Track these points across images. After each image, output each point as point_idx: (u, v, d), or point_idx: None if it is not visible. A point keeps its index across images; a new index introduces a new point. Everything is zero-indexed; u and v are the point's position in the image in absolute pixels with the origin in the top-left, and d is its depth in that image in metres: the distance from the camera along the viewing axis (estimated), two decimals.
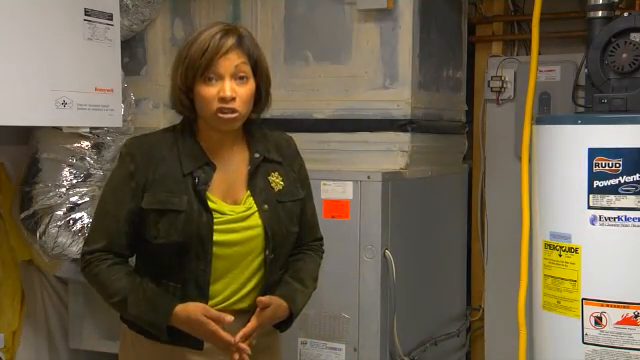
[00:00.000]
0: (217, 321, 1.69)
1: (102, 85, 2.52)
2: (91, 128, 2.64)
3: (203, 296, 1.75)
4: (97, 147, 2.76)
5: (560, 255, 2.26)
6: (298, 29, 2.90)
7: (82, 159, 2.72)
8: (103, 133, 2.74)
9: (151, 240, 1.73)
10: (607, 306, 2.15)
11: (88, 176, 2.75)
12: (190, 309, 1.70)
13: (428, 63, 2.90)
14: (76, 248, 2.70)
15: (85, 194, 2.73)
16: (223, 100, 1.70)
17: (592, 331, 2.17)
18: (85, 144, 2.73)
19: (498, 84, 3.32)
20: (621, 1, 2.48)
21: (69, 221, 2.69)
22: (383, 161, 2.78)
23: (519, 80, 3.25)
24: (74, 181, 2.71)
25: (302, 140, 2.92)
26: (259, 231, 1.78)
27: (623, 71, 2.27)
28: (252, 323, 1.75)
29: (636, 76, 2.26)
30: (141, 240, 1.77)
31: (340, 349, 2.59)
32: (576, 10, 3.04)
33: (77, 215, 2.70)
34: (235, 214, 1.77)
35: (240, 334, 1.73)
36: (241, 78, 1.73)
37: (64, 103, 2.40)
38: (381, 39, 2.77)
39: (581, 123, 2.27)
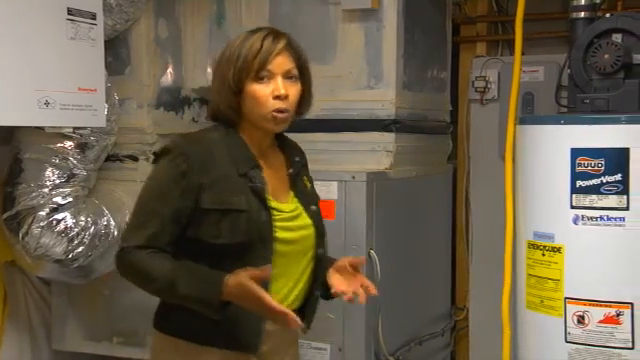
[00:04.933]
0: (259, 277, 1.61)
1: (85, 85, 2.50)
2: (74, 128, 2.62)
3: (265, 287, 1.66)
4: (81, 147, 2.74)
5: (543, 255, 2.27)
6: (283, 29, 2.87)
7: (65, 159, 2.70)
8: (87, 133, 2.72)
9: (210, 240, 1.70)
10: (589, 305, 2.17)
11: (72, 176, 2.73)
12: (238, 275, 1.61)
13: (412, 63, 2.91)
14: (59, 249, 2.68)
15: (68, 194, 2.71)
16: (278, 98, 1.72)
17: (575, 330, 2.19)
18: (68, 144, 2.71)
19: (482, 84, 3.33)
20: (603, 2, 2.50)
21: (52, 222, 2.67)
22: (368, 161, 2.78)
23: (503, 80, 3.26)
24: (57, 181, 2.69)
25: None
26: (311, 230, 1.81)
27: (605, 72, 2.28)
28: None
29: (618, 77, 2.28)
30: (192, 240, 1.71)
31: (325, 349, 2.60)
32: (559, 11, 3.06)
33: (60, 216, 2.68)
34: (287, 212, 1.78)
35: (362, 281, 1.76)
36: (291, 78, 1.76)
37: (47, 103, 2.39)
38: (366, 39, 2.78)
39: (564, 123, 2.29)
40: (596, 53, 2.30)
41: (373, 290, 1.76)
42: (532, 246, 2.30)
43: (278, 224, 1.74)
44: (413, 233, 2.97)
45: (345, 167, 2.74)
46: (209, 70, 3.11)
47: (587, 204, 2.19)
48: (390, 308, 2.71)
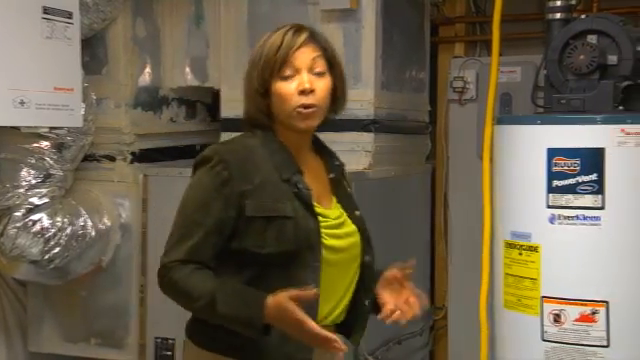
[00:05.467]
0: (301, 298, 1.50)
1: (62, 84, 2.48)
2: (51, 128, 2.59)
3: (313, 308, 1.58)
4: (57, 147, 2.72)
5: (520, 254, 2.29)
6: (261, 29, 2.84)
7: (41, 159, 2.68)
8: (63, 133, 2.69)
9: (255, 250, 1.60)
10: (565, 304, 2.19)
11: (48, 177, 2.70)
12: (278, 296, 1.52)
13: (391, 64, 2.92)
14: (35, 250, 2.66)
15: (45, 195, 2.68)
16: (303, 93, 1.61)
17: (551, 328, 2.20)
18: (44, 144, 2.68)
19: (460, 85, 3.35)
20: (579, 3, 2.52)
21: (28, 222, 2.64)
22: (346, 161, 2.71)
23: (481, 81, 3.28)
24: (33, 182, 2.67)
25: None
26: (357, 237, 1.71)
27: (581, 72, 2.30)
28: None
29: (593, 77, 2.30)
30: (237, 251, 1.62)
31: None
32: (536, 12, 3.08)
33: (36, 216, 2.66)
34: (333, 219, 1.68)
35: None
36: (318, 73, 1.64)
37: (22, 102, 2.36)
38: (344, 39, 2.78)
39: (540, 123, 2.31)
40: (572, 54, 2.32)
41: (416, 308, 1.64)
42: (509, 245, 2.32)
43: (326, 231, 1.63)
44: (392, 233, 2.97)
45: None
46: (187, 70, 3.10)
47: (563, 204, 2.20)
48: None
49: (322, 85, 1.64)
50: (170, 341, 2.82)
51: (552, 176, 2.21)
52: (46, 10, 2.41)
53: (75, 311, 2.99)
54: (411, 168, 3.20)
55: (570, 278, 2.21)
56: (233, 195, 1.60)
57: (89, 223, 2.81)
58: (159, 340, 2.85)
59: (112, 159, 2.95)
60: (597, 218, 2.18)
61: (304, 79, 1.62)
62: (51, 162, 2.70)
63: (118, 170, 2.94)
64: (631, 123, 2.22)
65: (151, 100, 3.04)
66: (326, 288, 1.62)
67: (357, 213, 1.74)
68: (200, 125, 3.28)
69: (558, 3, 2.41)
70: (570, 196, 2.19)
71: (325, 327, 1.56)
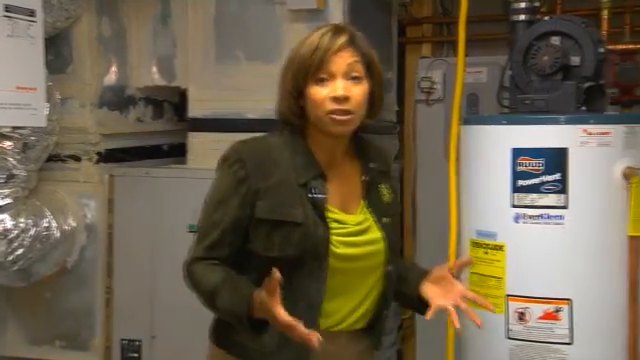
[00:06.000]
0: (269, 287, 1.49)
1: (24, 83, 2.44)
2: (13, 127, 2.56)
3: (314, 316, 1.59)
4: (21, 147, 2.68)
5: (486, 253, 2.30)
6: (229, 28, 2.89)
7: (4, 159, 2.64)
8: (27, 133, 2.66)
9: (260, 252, 1.61)
10: (530, 302, 2.21)
11: (11, 177, 2.66)
12: (262, 292, 1.53)
13: None
14: None
15: (8, 195, 2.64)
16: (336, 100, 1.57)
17: (516, 326, 2.22)
18: (7, 144, 2.64)
19: (428, 85, 3.38)
20: (542, 5, 2.55)
21: None
22: None
23: (448, 81, 3.31)
24: None
25: (234, 140, 2.93)
26: (380, 246, 1.66)
27: (544, 73, 2.33)
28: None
29: (556, 78, 2.33)
30: (246, 252, 1.63)
31: None
32: (500, 13, 3.11)
33: None
34: (353, 225, 1.64)
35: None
36: (355, 78, 1.59)
37: None
38: None
39: (505, 123, 2.33)
40: (535, 55, 2.35)
41: (481, 300, 1.68)
42: (475, 244, 2.33)
43: (339, 239, 1.60)
44: None
45: None
46: (154, 69, 3.08)
47: (528, 203, 2.22)
48: None
49: (358, 91, 1.59)
50: (136, 343, 2.80)
51: (517, 176, 2.23)
52: (7, 8, 2.37)
53: (39, 313, 2.95)
54: None
55: (534, 276, 2.23)
56: (249, 193, 1.59)
57: (53, 224, 2.77)
58: (125, 342, 2.82)
59: (77, 159, 2.92)
60: (561, 217, 2.20)
61: (338, 86, 1.57)
62: (14, 162, 2.66)
63: (84, 170, 2.91)
64: (593, 123, 2.25)
65: (117, 100, 3.01)
66: (338, 295, 1.60)
67: (385, 220, 1.68)
68: (167, 125, 3.26)
69: (522, 5, 2.43)
70: (534, 195, 2.21)
71: (340, 332, 1.60)
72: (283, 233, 1.58)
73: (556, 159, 2.20)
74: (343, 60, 1.58)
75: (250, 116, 2.88)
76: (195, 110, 2.96)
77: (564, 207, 2.20)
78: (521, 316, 2.22)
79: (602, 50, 2.36)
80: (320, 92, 1.58)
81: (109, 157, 2.96)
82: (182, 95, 3.13)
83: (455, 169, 2.58)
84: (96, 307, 2.89)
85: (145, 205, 2.82)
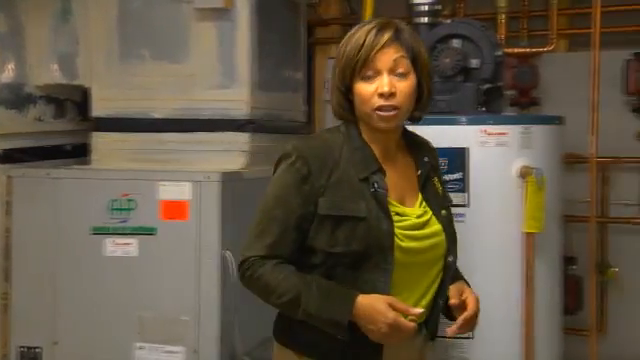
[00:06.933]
0: (403, 312, 1.53)
1: None
2: None
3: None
4: None
5: None
6: (133, 27, 2.83)
7: None
8: None
9: (324, 248, 1.59)
10: None
11: None
12: (373, 297, 1.54)
13: (267, 64, 2.92)
14: None
15: None
16: (382, 96, 1.58)
17: None
18: None
19: None
20: (445, 8, 2.62)
21: None
22: (222, 161, 2.76)
23: None
24: None
25: (139, 140, 2.88)
26: (441, 238, 1.66)
27: (446, 75, 2.40)
28: (471, 310, 1.63)
29: (457, 80, 2.40)
30: (307, 248, 1.61)
31: (179, 352, 2.55)
32: (404, 15, 3.17)
33: None
34: (415, 218, 1.64)
35: (455, 327, 1.62)
36: (401, 74, 1.60)
37: None
38: (219, 39, 2.76)
39: (409, 123, 2.36)
40: (438, 57, 2.41)
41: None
42: None
43: (403, 232, 1.60)
44: None
45: (199, 167, 2.71)
46: (55, 67, 2.98)
47: None
48: (247, 308, 2.70)
49: (404, 86, 1.59)
50: (36, 350, 2.70)
51: None
52: None
53: None
54: None
55: None
56: (312, 191, 1.59)
57: None
58: (23, 349, 2.72)
59: None
60: (462, 215, 2.27)
61: (384, 82, 1.58)
62: None
63: None
64: (492, 124, 2.33)
65: (15, 98, 2.89)
66: (402, 288, 1.60)
67: (444, 212, 1.70)
68: (69, 124, 3.15)
69: (425, 8, 2.50)
70: None
71: None
72: (347, 228, 1.57)
73: (457, 159, 2.27)
74: (388, 57, 1.58)
75: (156, 116, 2.83)
76: (99, 109, 2.89)
77: (465, 205, 2.27)
78: None
79: (500, 53, 2.45)
80: (366, 88, 1.59)
81: (7, 158, 2.84)
82: (85, 94, 3.04)
83: None
84: None
85: (46, 207, 2.72)
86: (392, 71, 1.59)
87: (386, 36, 1.59)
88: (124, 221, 2.63)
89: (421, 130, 2.33)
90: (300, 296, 1.55)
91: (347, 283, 1.57)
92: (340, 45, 1.64)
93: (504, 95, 2.65)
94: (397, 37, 1.60)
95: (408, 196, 1.67)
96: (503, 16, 2.91)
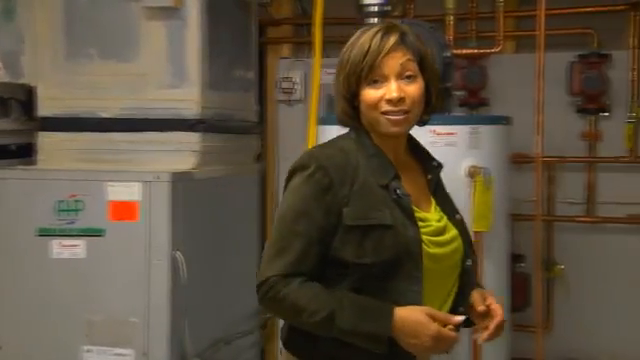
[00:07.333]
0: (443, 322, 1.50)
1: None
2: None
3: None
4: None
5: None
6: (80, 25, 2.79)
7: None
8: None
9: (352, 260, 1.53)
10: None
11: None
12: (410, 309, 1.49)
13: (218, 63, 2.90)
14: None
15: None
16: (390, 102, 1.54)
17: None
18: None
19: (289, 85, 3.41)
20: (394, 9, 2.64)
21: None
22: (173, 161, 2.74)
23: (308, 81, 3.35)
24: None
25: (87, 140, 2.83)
26: (459, 243, 1.63)
27: None
28: (498, 319, 1.59)
29: None
30: (333, 260, 1.54)
31: (128, 355, 2.52)
32: (354, 16, 3.19)
33: None
34: (436, 222, 1.61)
35: (487, 334, 1.57)
36: (408, 77, 1.56)
37: None
38: (168, 38, 2.74)
39: None
40: None
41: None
42: None
43: (429, 238, 1.57)
44: (220, 233, 2.97)
45: (149, 168, 2.68)
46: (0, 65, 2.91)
47: None
48: (197, 309, 2.69)
49: (412, 90, 1.56)
50: None
51: None
52: None
53: None
54: (240, 168, 3.21)
55: None
56: (335, 202, 1.53)
57: None
58: None
59: None
60: None
61: (392, 88, 1.54)
62: None
63: None
64: (441, 124, 2.36)
65: None
66: (428, 297, 1.55)
67: (458, 217, 1.67)
68: (14, 124, 3.08)
69: (375, 9, 2.51)
70: None
71: None
72: (375, 238, 1.52)
73: None
74: (395, 61, 1.55)
75: (105, 115, 2.79)
76: (45, 109, 2.83)
77: None
78: None
79: (449, 54, 2.49)
80: (374, 94, 1.55)
81: None
82: (30, 93, 2.98)
83: None
84: None
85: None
86: (399, 75, 1.56)
87: (392, 40, 1.55)
88: (71, 222, 2.59)
89: None
90: (334, 313, 1.49)
91: (377, 295, 1.52)
92: (343, 51, 1.60)
93: (453, 95, 2.69)
94: (403, 40, 1.57)
95: (423, 201, 1.64)
96: (451, 17, 2.95)
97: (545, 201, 3.15)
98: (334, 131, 2.47)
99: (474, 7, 3.18)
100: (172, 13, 2.72)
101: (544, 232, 3.13)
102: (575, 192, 3.23)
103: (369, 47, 1.54)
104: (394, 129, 1.57)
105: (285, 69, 3.43)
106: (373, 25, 1.61)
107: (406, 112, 1.56)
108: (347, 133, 1.64)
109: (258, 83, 3.40)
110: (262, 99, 3.46)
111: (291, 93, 3.44)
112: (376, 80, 1.55)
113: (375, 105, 1.55)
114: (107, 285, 2.57)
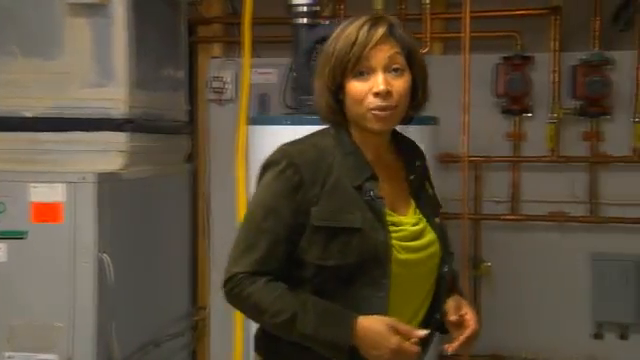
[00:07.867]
0: (405, 335, 1.45)
1: None
2: None
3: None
4: None
5: None
6: (1, 21, 2.70)
7: None
8: None
9: (317, 262, 1.48)
10: None
11: None
12: (372, 320, 1.45)
13: (146, 62, 2.86)
14: None
15: None
16: (377, 96, 1.48)
17: None
18: None
19: (219, 85, 3.38)
20: (324, 10, 2.66)
21: None
22: (99, 162, 2.69)
23: (239, 81, 3.33)
24: None
25: (9, 140, 2.75)
26: (436, 248, 1.57)
27: None
28: (471, 330, 1.55)
29: None
30: (297, 261, 1.50)
31: None
32: (285, 16, 3.20)
33: None
34: (410, 227, 1.55)
35: (457, 345, 1.53)
36: (396, 70, 1.50)
37: None
38: (94, 35, 2.69)
39: (289, 124, 2.40)
40: (317, 57, 2.43)
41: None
42: None
43: (399, 243, 1.51)
44: (149, 234, 2.93)
45: (75, 168, 2.62)
46: None
47: None
48: (125, 312, 2.65)
49: (399, 84, 1.51)
50: None
51: None
52: None
53: None
54: (170, 168, 3.17)
55: None
56: (304, 201, 1.48)
57: None
58: None
59: None
60: None
61: (379, 81, 1.48)
62: None
63: None
64: None
65: None
66: (397, 304, 1.51)
67: (437, 220, 1.60)
68: None
69: (304, 9, 2.52)
70: None
71: None
72: (341, 240, 1.48)
73: None
74: (383, 53, 1.49)
75: (28, 114, 2.72)
76: None
77: None
78: None
79: None
80: (360, 87, 1.50)
81: None
82: None
83: (243, 169, 2.61)
84: None
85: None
86: (387, 68, 1.50)
87: (380, 31, 1.50)
88: None
89: (300, 130, 2.36)
90: (295, 316, 1.46)
91: (340, 299, 1.48)
92: (329, 43, 1.55)
93: None
94: (391, 32, 1.51)
95: (400, 203, 1.58)
96: None
97: (472, 200, 3.22)
98: (261, 131, 2.50)
99: (403, 9, 3.22)
100: (98, 10, 2.67)
101: (471, 230, 3.20)
102: (500, 191, 3.31)
103: (356, 38, 1.49)
104: (379, 126, 1.52)
105: (216, 68, 3.41)
106: (360, 17, 1.54)
107: (392, 108, 1.51)
108: (326, 128, 1.59)
109: (188, 82, 3.37)
110: (193, 99, 3.43)
111: (222, 93, 3.42)
112: (362, 72, 1.50)
113: (361, 99, 1.50)
114: (30, 289, 2.51)
